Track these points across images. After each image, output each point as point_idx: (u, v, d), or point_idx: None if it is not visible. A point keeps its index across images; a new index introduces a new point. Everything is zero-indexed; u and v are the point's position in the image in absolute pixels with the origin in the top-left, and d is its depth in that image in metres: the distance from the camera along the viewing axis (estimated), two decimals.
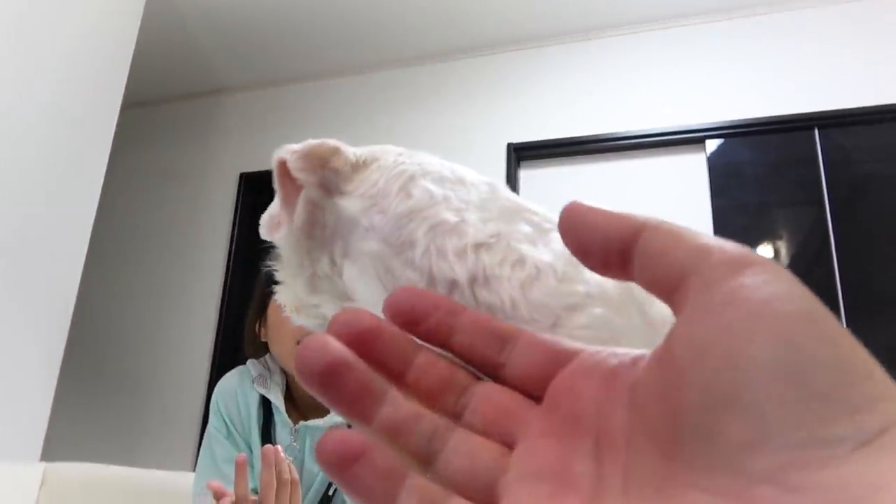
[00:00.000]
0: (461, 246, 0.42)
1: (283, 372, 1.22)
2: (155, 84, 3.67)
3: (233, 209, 3.46)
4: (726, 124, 2.82)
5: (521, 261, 0.41)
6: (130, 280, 3.53)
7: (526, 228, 0.43)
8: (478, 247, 0.42)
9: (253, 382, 1.18)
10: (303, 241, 0.43)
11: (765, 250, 2.70)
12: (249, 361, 1.24)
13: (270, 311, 1.20)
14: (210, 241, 3.45)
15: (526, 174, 3.11)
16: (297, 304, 0.45)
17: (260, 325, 1.25)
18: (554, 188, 3.04)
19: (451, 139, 3.21)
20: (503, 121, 3.16)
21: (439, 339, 0.22)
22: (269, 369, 1.21)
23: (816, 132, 2.69)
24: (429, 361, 0.22)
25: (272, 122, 3.59)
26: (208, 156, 3.65)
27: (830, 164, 2.65)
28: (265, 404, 1.17)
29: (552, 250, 0.42)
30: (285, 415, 1.16)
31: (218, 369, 3.07)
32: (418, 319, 0.22)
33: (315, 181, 0.42)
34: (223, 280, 3.33)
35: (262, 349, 1.24)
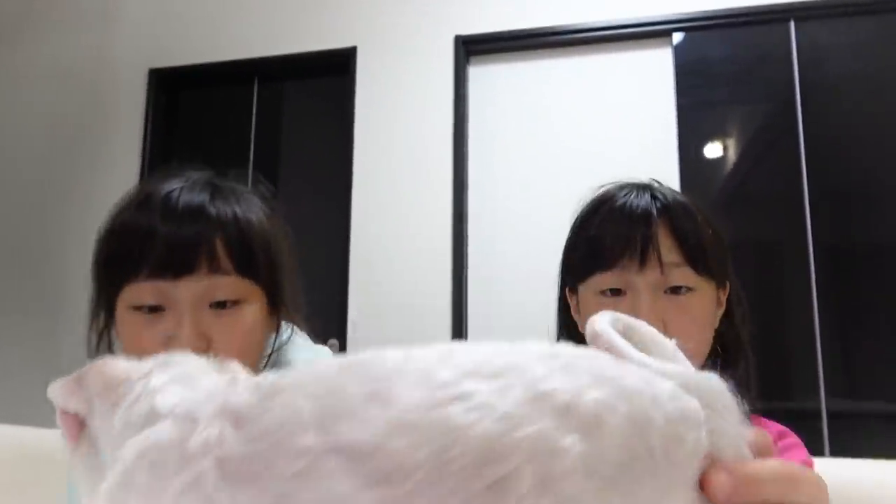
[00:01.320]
0: None
1: None
2: None
3: (143, 111, 3.04)
4: (695, 16, 2.57)
5: None
6: (26, 197, 3.11)
7: None
8: None
9: None
10: (85, 462, 0.32)
11: (716, 148, 2.54)
12: None
13: (120, 318, 0.69)
14: (120, 147, 3.05)
15: (476, 71, 2.81)
16: None
17: (109, 326, 0.73)
18: (507, 86, 2.76)
19: (392, 33, 2.86)
20: (450, 10, 2.82)
21: None
22: None
23: (792, 25, 2.47)
24: None
25: (183, 10, 3.12)
26: (111, 51, 3.18)
27: (804, 61, 2.46)
28: None
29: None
30: None
31: None
32: None
33: (73, 405, 0.32)
34: None
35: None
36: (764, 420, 0.84)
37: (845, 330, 2.29)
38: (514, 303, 2.56)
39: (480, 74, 2.80)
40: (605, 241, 0.76)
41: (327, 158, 2.82)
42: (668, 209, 0.78)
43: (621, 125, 2.59)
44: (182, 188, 0.70)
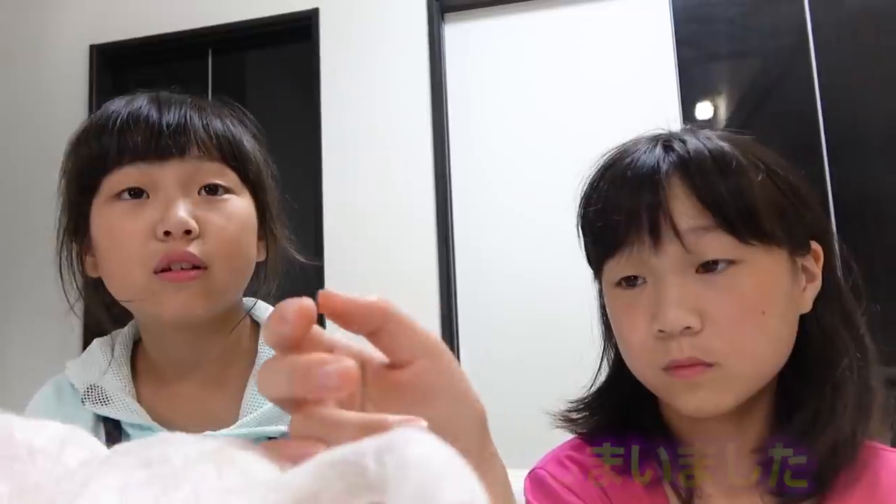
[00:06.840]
0: None
1: (137, 344, 0.69)
2: None
3: (86, 92, 2.75)
4: None
5: None
6: None
7: None
8: None
9: (83, 401, 0.64)
10: None
11: (720, 102, 2.31)
12: (69, 363, 0.68)
13: (98, 218, 0.63)
14: (63, 136, 2.74)
15: (453, 30, 2.55)
16: None
17: (82, 253, 0.67)
18: (487, 47, 2.51)
19: None
20: None
21: None
22: (113, 353, 0.67)
23: None
24: None
25: None
26: (46, 28, 2.87)
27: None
28: (112, 427, 0.64)
29: None
30: (159, 429, 0.62)
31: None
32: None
33: None
34: None
35: (100, 304, 0.67)
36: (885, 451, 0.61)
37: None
38: (502, 275, 2.35)
39: (457, 33, 2.54)
40: (606, 219, 0.59)
41: (294, 134, 2.56)
42: (687, 162, 0.57)
43: (613, 82, 2.35)
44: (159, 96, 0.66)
